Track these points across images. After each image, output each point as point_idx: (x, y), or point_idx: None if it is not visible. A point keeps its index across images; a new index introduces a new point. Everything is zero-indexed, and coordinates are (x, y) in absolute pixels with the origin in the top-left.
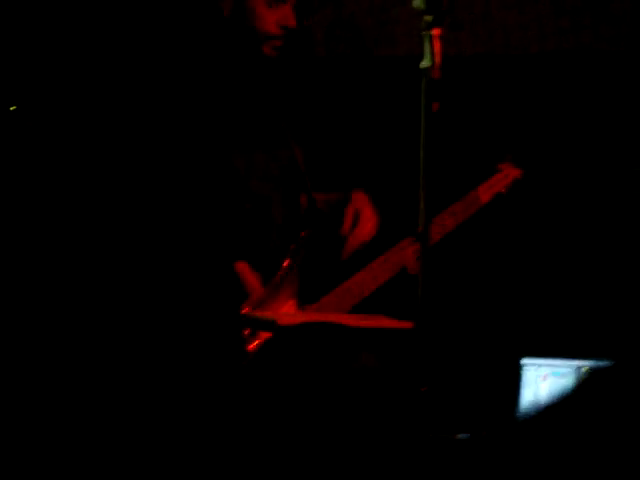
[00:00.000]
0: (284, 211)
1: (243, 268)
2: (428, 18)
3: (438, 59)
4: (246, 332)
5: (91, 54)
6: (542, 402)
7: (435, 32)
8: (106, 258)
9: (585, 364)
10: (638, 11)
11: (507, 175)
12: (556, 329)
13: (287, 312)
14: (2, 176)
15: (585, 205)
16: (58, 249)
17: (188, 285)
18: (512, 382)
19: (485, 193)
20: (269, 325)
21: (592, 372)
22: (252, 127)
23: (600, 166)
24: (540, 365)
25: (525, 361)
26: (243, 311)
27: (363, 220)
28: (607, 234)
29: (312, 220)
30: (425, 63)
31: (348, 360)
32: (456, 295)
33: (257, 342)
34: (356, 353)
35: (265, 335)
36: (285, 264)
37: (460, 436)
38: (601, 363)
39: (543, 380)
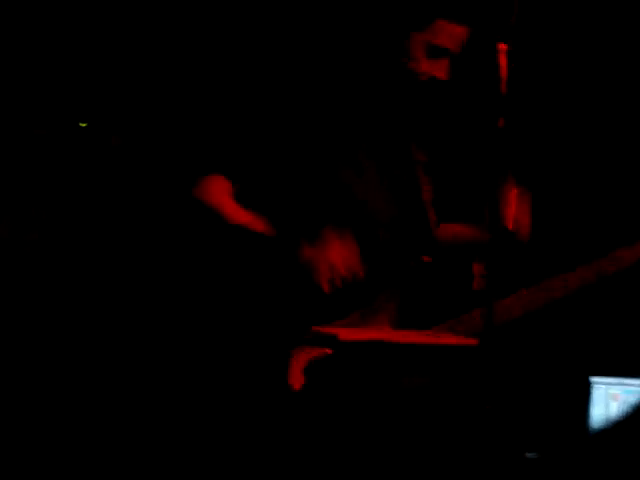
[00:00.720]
0: (394, 231)
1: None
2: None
3: (504, 74)
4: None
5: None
6: (613, 421)
7: (502, 47)
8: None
9: None
10: None
11: None
12: (628, 348)
13: (352, 329)
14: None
15: None
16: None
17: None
18: (582, 401)
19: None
20: (331, 340)
21: None
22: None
23: None
24: (611, 384)
25: (595, 380)
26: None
27: None
28: None
29: (427, 250)
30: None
31: (408, 378)
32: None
33: (318, 355)
34: (418, 371)
35: (328, 350)
36: (385, 292)
37: (529, 455)
38: None
39: (614, 399)
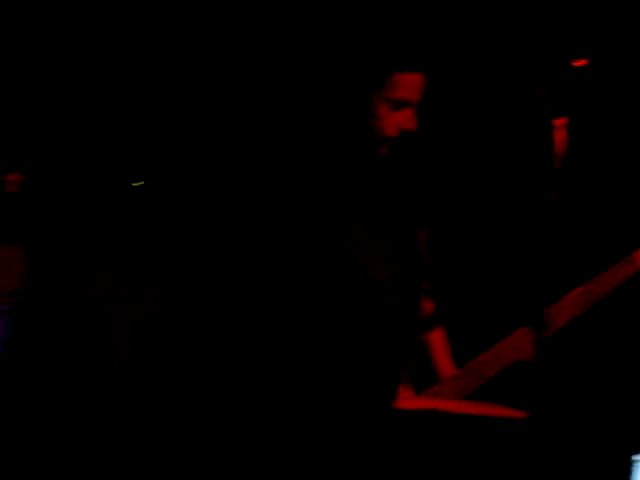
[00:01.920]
0: (399, 299)
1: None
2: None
3: (561, 149)
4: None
5: None
6: None
7: (558, 122)
8: None
9: None
10: None
11: None
12: None
13: (404, 396)
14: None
15: None
16: None
17: None
18: (622, 479)
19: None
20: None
21: None
22: (370, 217)
23: None
24: None
25: (637, 457)
26: None
27: None
28: None
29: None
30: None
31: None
32: (568, 384)
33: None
34: (469, 440)
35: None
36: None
37: None
38: None
39: None
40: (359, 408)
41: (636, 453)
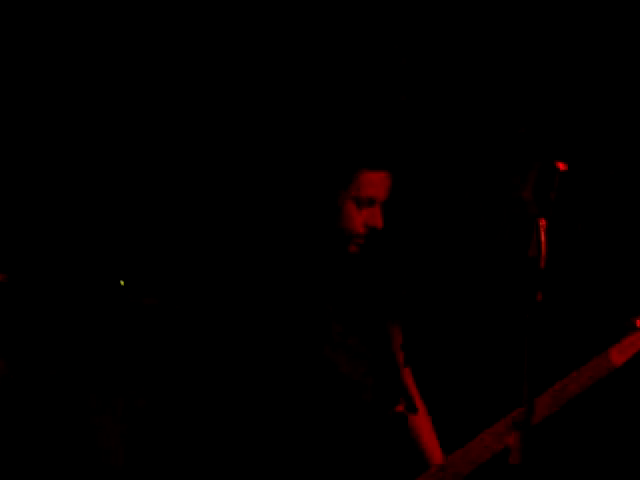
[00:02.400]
0: (375, 397)
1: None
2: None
3: (544, 250)
4: None
5: None
6: None
7: (542, 222)
8: None
9: None
10: None
11: None
12: None
13: None
14: None
15: None
16: None
17: None
18: None
19: (619, 355)
20: None
21: None
22: (343, 315)
23: None
24: None
25: None
26: None
27: None
28: None
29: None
30: (532, 253)
31: None
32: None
33: None
34: None
35: None
36: None
37: None
38: None
39: None
40: None
41: None
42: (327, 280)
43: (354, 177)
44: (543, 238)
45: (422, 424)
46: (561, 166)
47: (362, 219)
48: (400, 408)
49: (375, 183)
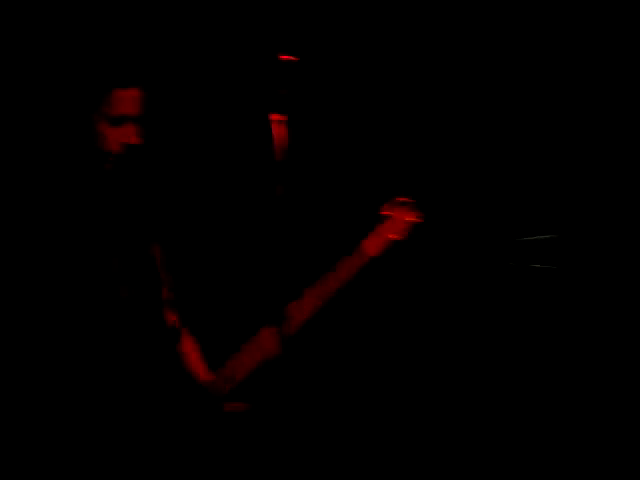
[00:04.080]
0: (141, 313)
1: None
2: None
3: (281, 143)
4: None
5: None
6: None
7: (274, 117)
8: None
9: None
10: None
11: (399, 221)
12: None
13: None
14: None
15: None
16: None
17: None
18: None
19: (372, 246)
20: None
21: None
22: (106, 236)
23: None
24: None
25: None
26: None
27: None
28: None
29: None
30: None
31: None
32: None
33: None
34: None
35: None
36: None
37: None
38: None
39: None
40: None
41: None
42: (87, 199)
43: (106, 95)
44: (277, 132)
45: (187, 346)
46: (284, 57)
47: (116, 137)
48: (170, 326)
49: (127, 100)
